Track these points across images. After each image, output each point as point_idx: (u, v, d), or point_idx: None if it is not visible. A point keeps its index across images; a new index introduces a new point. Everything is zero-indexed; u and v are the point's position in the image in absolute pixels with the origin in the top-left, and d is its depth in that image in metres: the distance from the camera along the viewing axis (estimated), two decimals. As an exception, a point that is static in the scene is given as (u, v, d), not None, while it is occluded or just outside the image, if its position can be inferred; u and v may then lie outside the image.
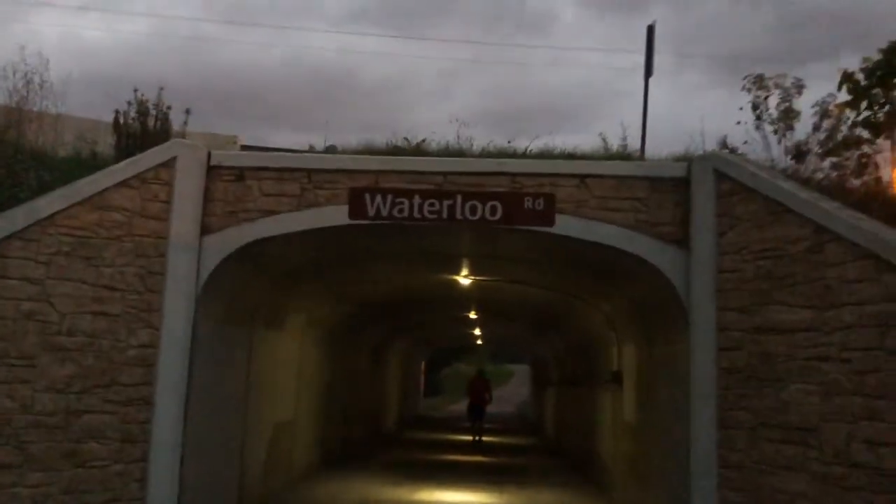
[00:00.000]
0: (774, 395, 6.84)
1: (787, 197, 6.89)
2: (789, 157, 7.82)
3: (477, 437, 20.46)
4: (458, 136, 8.72)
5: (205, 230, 8.21)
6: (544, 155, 8.65)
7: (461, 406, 32.83)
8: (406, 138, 9.02)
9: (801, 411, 6.54)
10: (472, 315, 18.63)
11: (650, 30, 10.76)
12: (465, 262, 11.19)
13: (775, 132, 7.87)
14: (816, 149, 7.50)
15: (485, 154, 8.68)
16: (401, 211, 8.12)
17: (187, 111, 9.06)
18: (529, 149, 8.82)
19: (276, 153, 8.53)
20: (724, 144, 8.24)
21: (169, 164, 7.97)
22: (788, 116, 7.50)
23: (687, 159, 8.21)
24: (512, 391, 44.11)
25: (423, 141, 9.01)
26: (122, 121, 8.96)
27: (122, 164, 7.88)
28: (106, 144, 9.07)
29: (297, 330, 12.19)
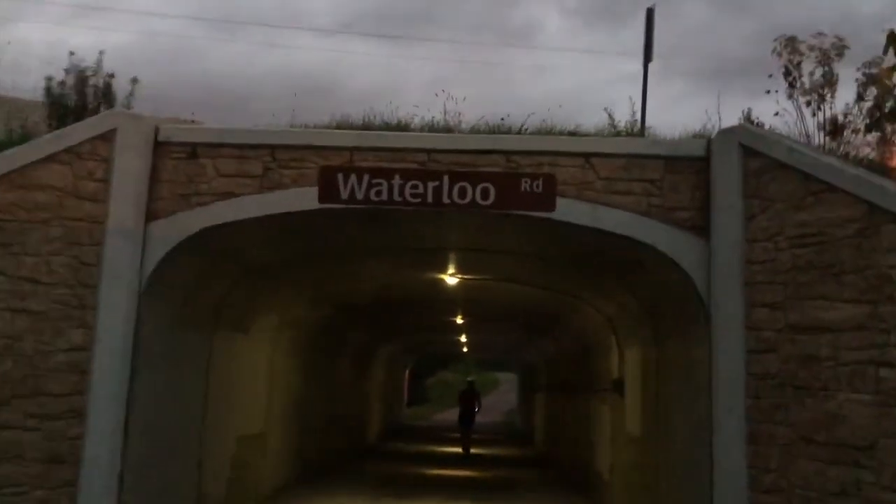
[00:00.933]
0: (817, 405, 5.81)
1: (833, 173, 5.87)
2: (824, 132, 6.79)
3: (466, 451, 20.87)
4: (445, 111, 7.63)
5: (151, 215, 7.09)
6: (543, 132, 7.59)
7: (447, 415, 32.02)
8: (385, 122, 7.89)
9: (851, 425, 5.51)
10: (459, 320, 17.60)
11: (649, 13, 9.97)
12: (452, 258, 10.12)
13: (808, 104, 6.84)
14: (861, 120, 6.47)
15: (475, 131, 7.60)
16: (378, 194, 7.03)
17: (134, 80, 7.89)
18: (526, 127, 7.75)
19: (234, 128, 7.41)
20: (748, 119, 7.21)
21: (107, 136, 6.85)
22: (826, 83, 6.46)
23: (705, 137, 7.21)
24: (499, 399, 43.01)
25: (408, 126, 7.89)
26: (56, 91, 7.75)
27: (49, 135, 6.76)
28: (42, 123, 7.90)
29: (266, 333, 11.05)
